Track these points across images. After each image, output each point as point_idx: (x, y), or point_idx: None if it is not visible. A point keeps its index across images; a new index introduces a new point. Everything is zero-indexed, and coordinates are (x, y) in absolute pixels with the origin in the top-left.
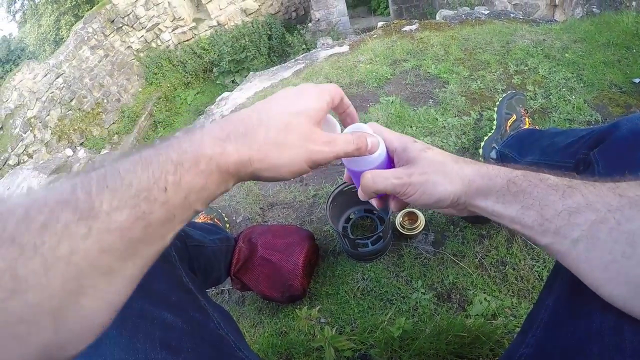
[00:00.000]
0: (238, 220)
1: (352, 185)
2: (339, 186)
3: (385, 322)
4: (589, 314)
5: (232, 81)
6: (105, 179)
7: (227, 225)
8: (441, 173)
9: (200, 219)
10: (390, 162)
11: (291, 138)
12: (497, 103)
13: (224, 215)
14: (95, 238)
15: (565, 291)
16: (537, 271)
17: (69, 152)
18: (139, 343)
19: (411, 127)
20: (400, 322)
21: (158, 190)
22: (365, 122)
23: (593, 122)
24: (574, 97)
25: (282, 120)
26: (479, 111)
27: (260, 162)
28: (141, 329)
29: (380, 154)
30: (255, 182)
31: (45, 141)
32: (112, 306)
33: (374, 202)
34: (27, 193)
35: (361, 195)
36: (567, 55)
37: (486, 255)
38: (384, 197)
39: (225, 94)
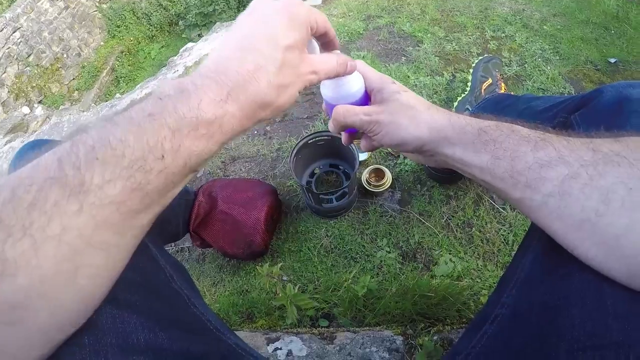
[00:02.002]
0: (198, 175)
1: (318, 137)
2: (304, 138)
3: (350, 281)
4: (568, 274)
5: (199, 35)
6: (94, 151)
7: None
8: (408, 117)
9: None
10: (367, 101)
11: (289, 76)
12: (473, 65)
13: None
14: (88, 214)
15: (543, 250)
16: (502, 235)
17: (25, 110)
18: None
19: None
20: (364, 280)
21: (154, 159)
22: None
23: (566, 94)
24: (549, 68)
25: (277, 59)
26: (452, 72)
27: (265, 109)
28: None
29: (358, 90)
30: None
31: (2, 100)
32: (110, 281)
33: (343, 137)
34: (10, 172)
35: (331, 127)
36: (545, 27)
37: (453, 216)
38: (353, 134)
39: (190, 44)
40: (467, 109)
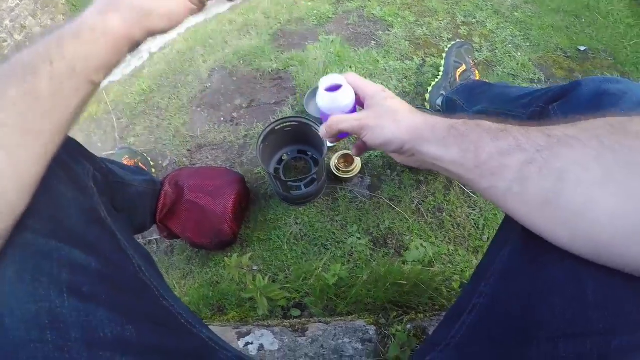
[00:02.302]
0: (164, 164)
1: (285, 123)
2: (271, 124)
3: (320, 269)
4: (548, 263)
5: None
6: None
7: (153, 170)
8: (391, 120)
9: (123, 162)
10: (355, 109)
11: None
12: (446, 50)
13: (149, 159)
14: None
15: (522, 240)
16: (473, 219)
17: None
18: (42, 288)
19: (351, 67)
20: (335, 268)
21: (43, 63)
22: (341, 73)
23: (536, 81)
24: (519, 54)
25: None
26: (422, 57)
27: (150, 16)
28: (45, 271)
29: (350, 102)
30: (183, 123)
31: None
32: (18, 184)
33: (333, 140)
34: None
35: (323, 133)
36: (516, 14)
37: (423, 201)
38: (343, 137)
39: None
40: (442, 94)
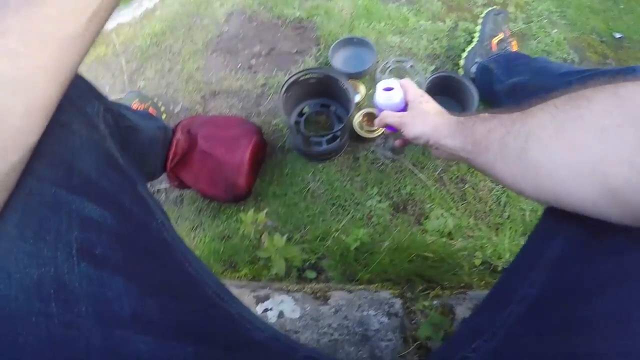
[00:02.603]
0: (176, 111)
1: (310, 75)
2: (295, 74)
3: (339, 231)
4: (606, 256)
5: None
6: None
7: (164, 116)
8: (422, 120)
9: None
10: (405, 108)
11: None
12: (482, 16)
13: (160, 104)
14: None
15: (578, 234)
16: (495, 195)
17: None
18: (46, 249)
19: (380, 22)
20: (357, 233)
21: None
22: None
23: (569, 61)
24: (554, 31)
25: None
26: (455, 20)
27: None
28: (51, 228)
29: (399, 101)
30: (196, 68)
31: None
32: (27, 103)
33: (388, 132)
34: None
35: (377, 122)
36: None
37: (446, 170)
38: (393, 131)
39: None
40: (477, 61)
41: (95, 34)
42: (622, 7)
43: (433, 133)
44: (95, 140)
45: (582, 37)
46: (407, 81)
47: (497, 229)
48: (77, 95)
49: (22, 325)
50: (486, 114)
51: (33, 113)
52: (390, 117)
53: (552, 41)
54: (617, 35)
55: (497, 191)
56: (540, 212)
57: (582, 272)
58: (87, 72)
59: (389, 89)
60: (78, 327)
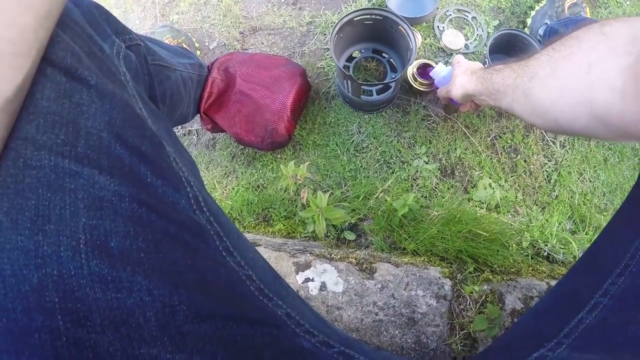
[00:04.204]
0: (212, 47)
1: (366, 15)
2: (349, 14)
3: (383, 192)
4: None
5: None
6: None
7: (199, 53)
8: (455, 83)
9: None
10: None
11: None
12: None
13: (194, 39)
14: None
15: None
16: (547, 171)
17: None
18: (47, 243)
19: None
20: (407, 198)
21: None
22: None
23: None
24: (628, 3)
25: None
26: None
27: None
28: (52, 214)
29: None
30: (235, 1)
31: None
32: None
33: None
34: None
35: (440, 95)
36: None
37: (500, 137)
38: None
39: None
40: (546, 23)
41: None
42: None
43: (464, 91)
44: (110, 91)
45: None
46: (460, 57)
47: (543, 208)
48: (88, 30)
49: (23, 344)
50: (500, 65)
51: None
52: (442, 92)
53: (623, 13)
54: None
55: (549, 167)
56: (590, 197)
57: None
58: (115, 5)
59: (436, 69)
60: (93, 345)
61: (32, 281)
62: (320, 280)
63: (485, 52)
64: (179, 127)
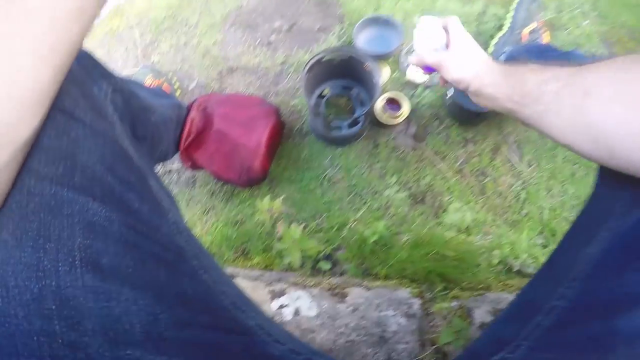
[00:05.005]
0: (191, 87)
1: (334, 55)
2: (319, 54)
3: (356, 222)
4: (637, 271)
5: None
6: None
7: (178, 92)
8: (463, 62)
9: (146, 84)
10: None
11: None
12: (515, 1)
13: (174, 80)
14: None
15: (616, 245)
16: (515, 191)
17: None
18: (47, 259)
19: (407, 0)
20: (377, 226)
21: None
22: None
23: (598, 55)
24: (585, 23)
25: None
26: (485, 4)
27: None
28: (52, 235)
29: (441, 43)
30: (214, 42)
31: None
32: (11, 91)
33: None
34: None
35: (413, 60)
36: None
37: (467, 162)
38: (432, 71)
39: None
40: (506, 50)
41: (98, 6)
42: None
43: (474, 79)
44: (102, 129)
45: (612, 32)
46: (451, 19)
47: (514, 226)
48: (82, 75)
49: (23, 346)
50: (535, 65)
51: (22, 103)
52: (429, 56)
53: (582, 33)
54: None
55: (518, 187)
56: (559, 211)
57: (615, 287)
58: (99, 46)
59: (429, 30)
60: (84, 347)
61: (33, 291)
62: (295, 306)
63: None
64: (159, 165)
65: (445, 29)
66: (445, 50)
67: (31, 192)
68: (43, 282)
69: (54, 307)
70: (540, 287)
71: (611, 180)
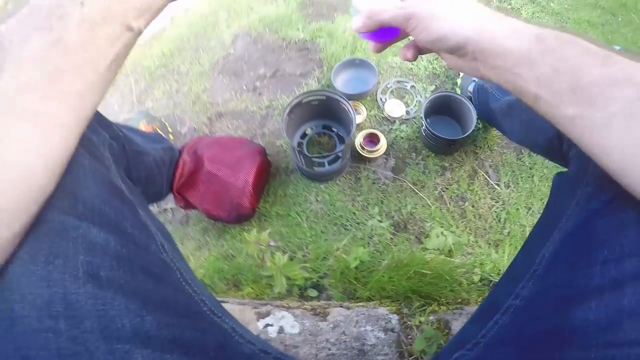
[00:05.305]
0: (183, 131)
1: (312, 97)
2: (298, 97)
3: (340, 250)
4: (589, 267)
5: None
6: (10, 12)
7: (171, 137)
8: (448, 8)
9: (140, 128)
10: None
11: None
12: None
13: (167, 124)
14: (7, 74)
15: (567, 243)
16: (495, 212)
17: None
18: (56, 272)
19: None
20: (357, 252)
21: (72, 4)
22: None
23: None
24: None
25: None
26: None
27: None
28: (60, 253)
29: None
30: (203, 89)
31: None
32: (47, 162)
33: (372, 45)
34: None
35: (358, 25)
36: (552, 4)
37: (446, 189)
38: (386, 41)
39: None
40: (474, 80)
41: (112, 80)
42: (620, 20)
43: (476, 34)
44: (99, 171)
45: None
46: None
47: (497, 245)
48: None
49: (34, 341)
50: (584, 41)
51: (53, 169)
52: (385, 11)
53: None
54: (617, 48)
55: (497, 208)
56: None
57: (567, 283)
58: None
59: None
60: (84, 342)
61: (44, 297)
62: (279, 325)
63: (420, 114)
64: (155, 205)
65: None
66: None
67: (43, 219)
68: (52, 290)
69: (60, 309)
70: (500, 290)
71: (565, 186)
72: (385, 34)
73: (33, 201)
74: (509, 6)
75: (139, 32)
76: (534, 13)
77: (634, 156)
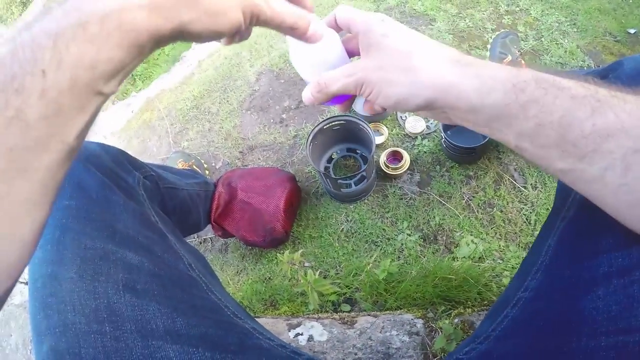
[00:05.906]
0: (217, 166)
1: (333, 122)
2: (320, 124)
3: (370, 265)
4: (595, 255)
5: None
6: None
7: (207, 172)
8: (402, 70)
9: (178, 167)
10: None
11: None
12: (491, 41)
13: (202, 161)
14: None
15: (570, 231)
16: (524, 214)
17: None
18: (100, 286)
19: None
20: (385, 264)
21: (32, 76)
22: None
23: (586, 68)
24: (566, 41)
25: None
26: (467, 49)
27: (191, 7)
28: (103, 271)
29: (336, 54)
30: (233, 126)
31: None
32: (18, 240)
33: (338, 107)
34: None
35: (308, 98)
36: None
37: (473, 197)
38: (347, 100)
39: None
40: None
41: (87, 132)
42: (631, 1)
43: (441, 98)
44: (133, 207)
45: (595, 42)
46: (343, 8)
47: (528, 247)
48: (118, 168)
49: (84, 341)
50: (569, 83)
51: (21, 244)
52: (335, 79)
53: (565, 52)
54: (632, 31)
55: (527, 211)
56: None
57: (574, 272)
58: (135, 136)
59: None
60: (124, 340)
61: (91, 307)
62: (308, 334)
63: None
64: (195, 235)
65: (335, 28)
66: (349, 61)
67: (88, 246)
68: (98, 301)
69: (105, 316)
70: (513, 284)
71: None
72: (343, 96)
73: (6, 277)
74: (518, 8)
75: (112, 94)
76: (543, 11)
77: (632, 207)
